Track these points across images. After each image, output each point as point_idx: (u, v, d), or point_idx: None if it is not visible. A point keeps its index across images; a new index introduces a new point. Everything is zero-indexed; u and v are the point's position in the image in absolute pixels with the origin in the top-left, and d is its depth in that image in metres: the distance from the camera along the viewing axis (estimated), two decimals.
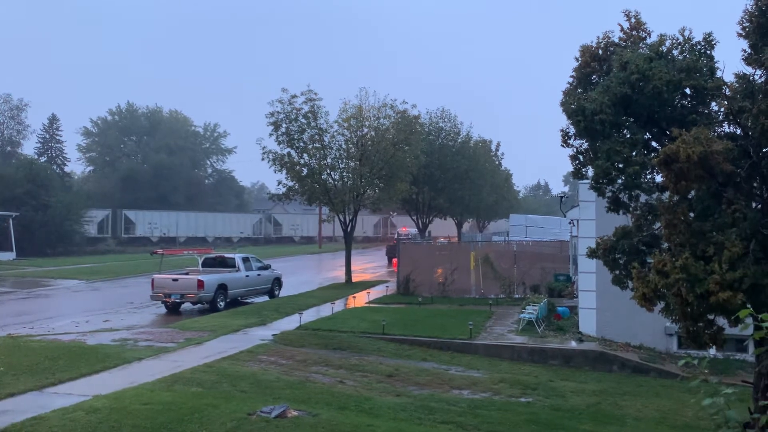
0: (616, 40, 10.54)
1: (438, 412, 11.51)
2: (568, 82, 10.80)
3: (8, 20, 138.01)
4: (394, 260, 34.09)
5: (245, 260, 26.60)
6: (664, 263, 8.38)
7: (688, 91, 9.57)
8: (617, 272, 10.52)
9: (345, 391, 12.67)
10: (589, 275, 19.39)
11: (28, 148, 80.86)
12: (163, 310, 24.08)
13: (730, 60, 9.53)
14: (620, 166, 9.70)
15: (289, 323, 20.13)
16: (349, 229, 33.40)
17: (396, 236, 53.85)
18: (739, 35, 9.40)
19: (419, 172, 38.52)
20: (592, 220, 18.96)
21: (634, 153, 9.64)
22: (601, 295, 18.86)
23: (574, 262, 25.50)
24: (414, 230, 51.36)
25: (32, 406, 10.38)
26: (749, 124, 8.57)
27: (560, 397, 13.67)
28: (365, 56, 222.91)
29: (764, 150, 8.68)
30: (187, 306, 24.35)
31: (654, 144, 10.15)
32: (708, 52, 9.72)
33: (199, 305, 24.14)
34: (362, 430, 9.69)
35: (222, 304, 24.15)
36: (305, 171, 31.53)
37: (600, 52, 10.56)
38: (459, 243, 41.53)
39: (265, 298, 27.34)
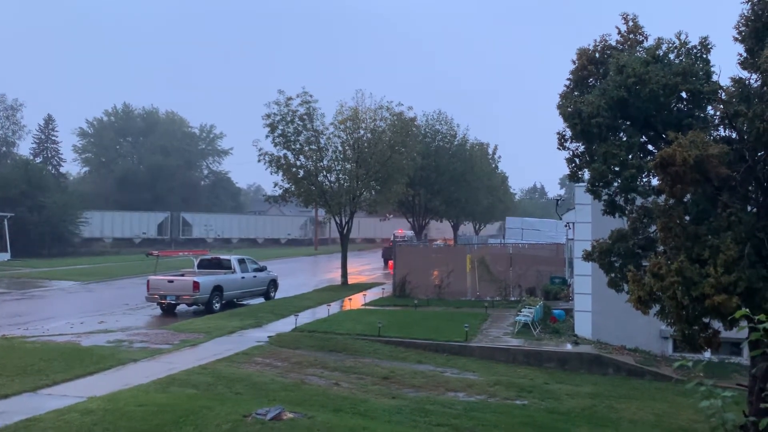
0: (613, 44, 10.56)
1: (433, 415, 11.51)
2: (565, 85, 10.81)
3: (3, 20, 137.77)
4: (390, 262, 34.08)
5: (241, 262, 26.55)
6: (659, 266, 8.40)
7: (684, 94, 9.59)
8: (613, 275, 10.52)
9: (340, 394, 12.65)
10: (585, 278, 19.41)
11: (24, 148, 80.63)
12: (158, 311, 24.02)
13: (726, 64, 9.57)
14: (616, 169, 9.71)
15: (284, 325, 20.11)
16: (345, 231, 33.39)
17: (392, 238, 53.84)
18: (735, 39, 9.43)
19: (415, 174, 38.54)
20: (588, 223, 18.97)
21: (630, 156, 9.65)
22: (597, 298, 18.89)
23: (570, 264, 25.53)
24: (410, 232, 51.36)
25: (26, 407, 10.35)
26: (745, 128, 8.58)
27: (555, 399, 13.67)
28: (362, 59, 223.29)
29: (759, 154, 8.70)
30: (182, 307, 24.29)
31: (650, 147, 10.16)
32: (704, 56, 9.75)
33: (194, 307, 24.08)
34: None
35: (217, 305, 24.10)
36: (301, 173, 31.51)
37: (597, 55, 10.57)
38: (455, 245, 41.54)
39: (261, 299, 27.29)
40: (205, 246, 64.30)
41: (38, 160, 68.18)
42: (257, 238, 79.39)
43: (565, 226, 27.50)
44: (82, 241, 61.05)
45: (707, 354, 14.72)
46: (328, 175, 32.30)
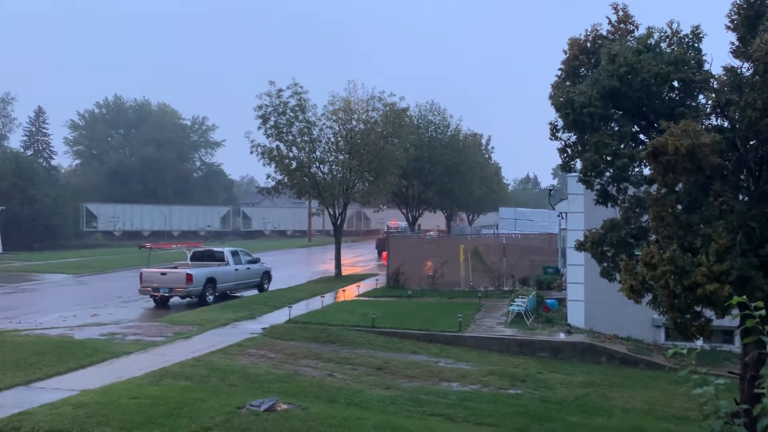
0: (605, 33, 10.54)
1: (427, 405, 11.54)
2: (557, 75, 10.79)
3: None
4: (384, 253, 34.10)
5: (234, 254, 26.53)
6: (651, 255, 8.41)
7: (676, 83, 9.59)
8: (605, 264, 10.55)
9: (335, 384, 12.67)
10: (578, 268, 19.48)
11: (15, 141, 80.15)
12: (151, 304, 23.98)
13: (718, 53, 9.56)
14: (608, 158, 9.70)
15: (278, 317, 20.10)
16: (338, 223, 33.36)
17: (386, 229, 53.86)
18: (728, 28, 9.42)
19: (409, 165, 38.48)
20: (581, 212, 19.02)
21: (622, 146, 9.65)
22: (590, 288, 18.96)
23: (563, 254, 25.61)
24: (403, 223, 51.36)
25: (19, 401, 10.31)
26: (737, 116, 8.59)
27: (549, 389, 13.74)
28: (353, 49, 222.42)
29: (751, 143, 8.71)
30: (175, 300, 24.25)
31: (642, 137, 10.17)
32: (696, 44, 9.74)
33: (187, 299, 24.06)
34: (352, 423, 9.69)
35: (211, 297, 24.08)
36: (294, 164, 31.40)
37: (588, 44, 10.55)
38: (448, 236, 41.60)
39: (255, 291, 27.29)
40: (262, 237, 72.20)
41: (29, 153, 67.82)
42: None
43: (558, 216, 27.55)
44: (150, 234, 65.97)
45: (699, 342, 14.82)
46: (321, 166, 32.21)
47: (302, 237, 76.62)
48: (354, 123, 32.05)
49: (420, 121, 44.51)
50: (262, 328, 18.08)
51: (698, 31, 9.73)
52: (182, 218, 71.87)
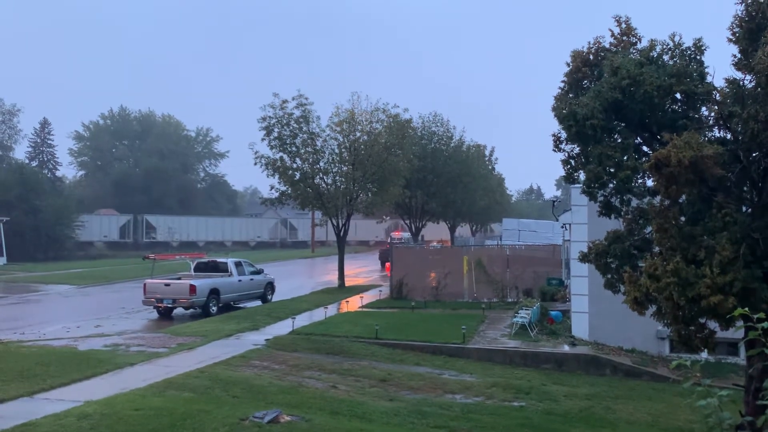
0: (607, 46, 10.60)
1: (431, 417, 11.51)
2: (560, 88, 10.85)
3: None
4: (387, 264, 34.04)
5: (238, 265, 26.53)
6: (655, 267, 8.42)
7: (678, 96, 9.63)
8: (609, 276, 10.55)
9: (338, 396, 12.64)
10: (582, 279, 19.44)
11: (20, 152, 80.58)
12: (155, 315, 23.98)
13: (720, 65, 9.61)
14: (612, 170, 9.75)
15: (281, 328, 20.08)
16: (342, 234, 33.37)
17: (389, 240, 53.85)
18: (729, 40, 9.47)
19: (412, 176, 38.55)
20: (584, 224, 19.01)
21: (625, 157, 9.69)
22: (594, 299, 18.91)
23: (567, 266, 25.57)
24: (407, 234, 51.36)
25: (23, 412, 10.30)
26: (739, 128, 8.63)
27: (553, 401, 13.69)
28: (356, 61, 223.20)
29: (754, 154, 8.75)
30: (179, 311, 24.25)
31: (645, 148, 10.21)
32: (698, 57, 9.80)
33: (191, 310, 24.04)
34: None
35: (214, 308, 24.07)
36: (298, 175, 31.47)
37: (591, 57, 10.61)
38: (452, 247, 41.58)
39: (258, 302, 27.26)
40: (306, 246, 74.30)
41: (34, 164, 68.14)
42: (350, 240, 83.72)
43: (562, 227, 27.57)
44: (205, 244, 68.37)
45: (704, 354, 14.76)
46: (324, 177, 32.28)
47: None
48: (358, 134, 32.13)
49: (423, 132, 44.64)
50: (266, 339, 18.06)
51: (700, 43, 9.78)
52: (234, 229, 75.52)
